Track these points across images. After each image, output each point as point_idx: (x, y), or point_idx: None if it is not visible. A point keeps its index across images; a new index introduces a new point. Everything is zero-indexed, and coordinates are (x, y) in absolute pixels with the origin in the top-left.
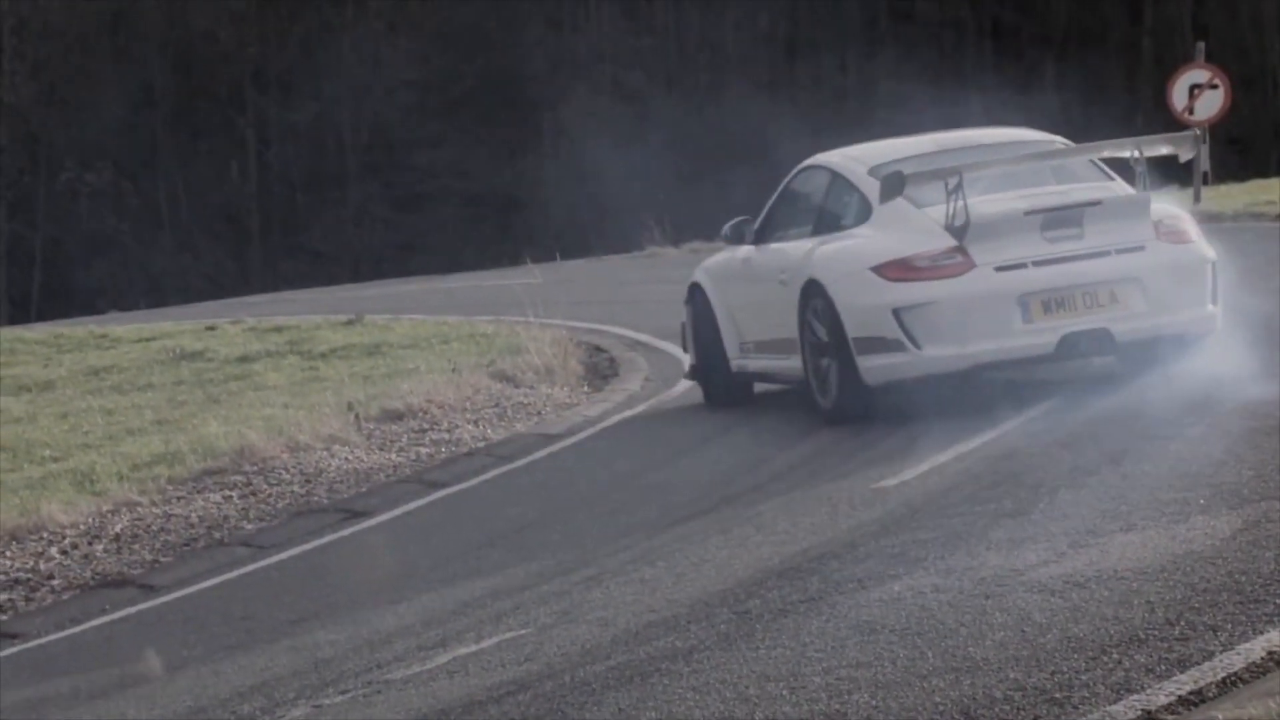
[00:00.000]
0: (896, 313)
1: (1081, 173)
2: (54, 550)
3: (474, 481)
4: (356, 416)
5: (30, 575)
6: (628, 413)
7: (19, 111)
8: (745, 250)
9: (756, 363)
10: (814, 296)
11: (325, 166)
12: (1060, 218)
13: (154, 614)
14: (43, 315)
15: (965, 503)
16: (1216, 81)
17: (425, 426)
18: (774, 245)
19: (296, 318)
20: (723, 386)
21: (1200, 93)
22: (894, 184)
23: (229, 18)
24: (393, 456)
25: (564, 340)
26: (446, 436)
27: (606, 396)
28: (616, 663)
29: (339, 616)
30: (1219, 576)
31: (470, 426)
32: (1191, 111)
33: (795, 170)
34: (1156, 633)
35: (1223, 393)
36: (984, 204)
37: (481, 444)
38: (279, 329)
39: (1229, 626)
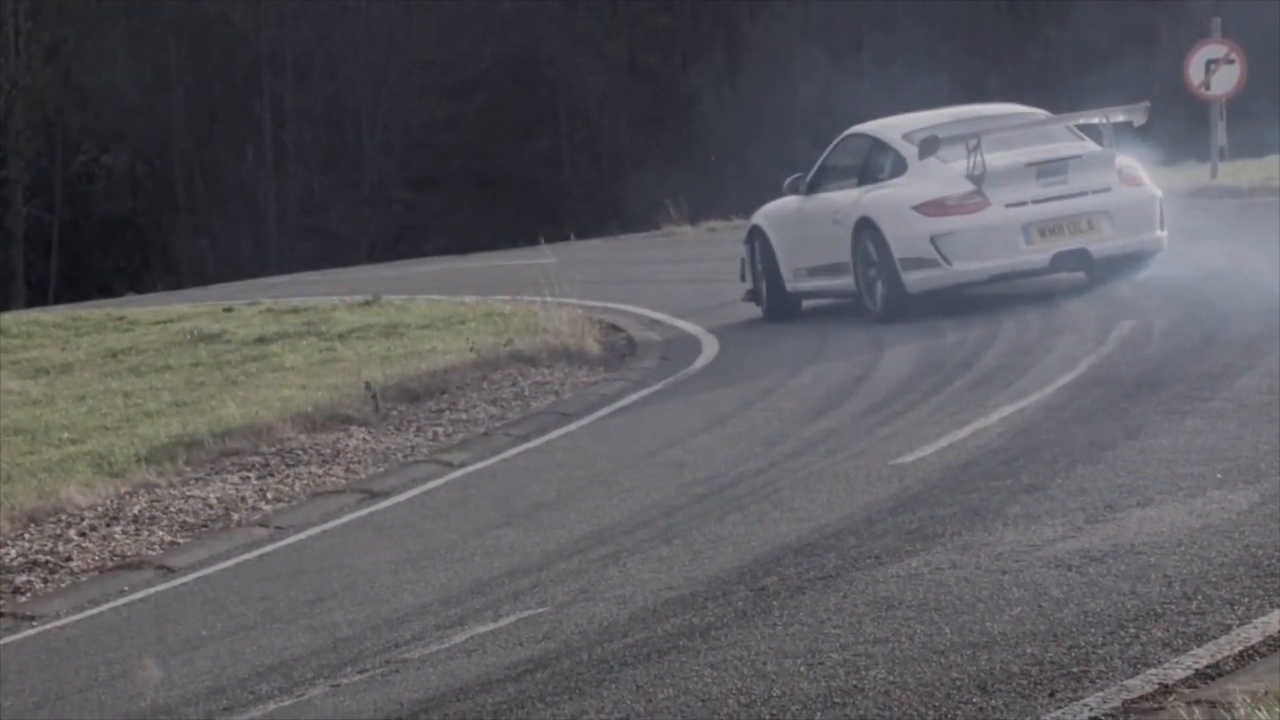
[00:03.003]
0: (933, 239)
1: (1060, 135)
2: (72, 532)
3: (491, 461)
4: (374, 397)
5: (49, 557)
6: (644, 391)
7: (35, 95)
8: (796, 200)
9: (808, 284)
10: (866, 229)
11: (341, 148)
12: (1051, 168)
13: (172, 595)
14: (60, 298)
15: (982, 478)
16: (1233, 56)
17: (442, 406)
18: (823, 195)
19: (313, 299)
20: (779, 303)
21: (1217, 67)
22: (931, 144)
23: (244, 0)
24: (410, 437)
25: (581, 320)
26: (464, 416)
27: (623, 375)
28: (634, 640)
29: (357, 596)
30: (1236, 551)
31: (487, 406)
32: (1208, 86)
33: (838, 138)
34: (1173, 607)
35: (1239, 367)
36: (994, 159)
37: (499, 423)
38: (296, 310)
39: (1246, 600)
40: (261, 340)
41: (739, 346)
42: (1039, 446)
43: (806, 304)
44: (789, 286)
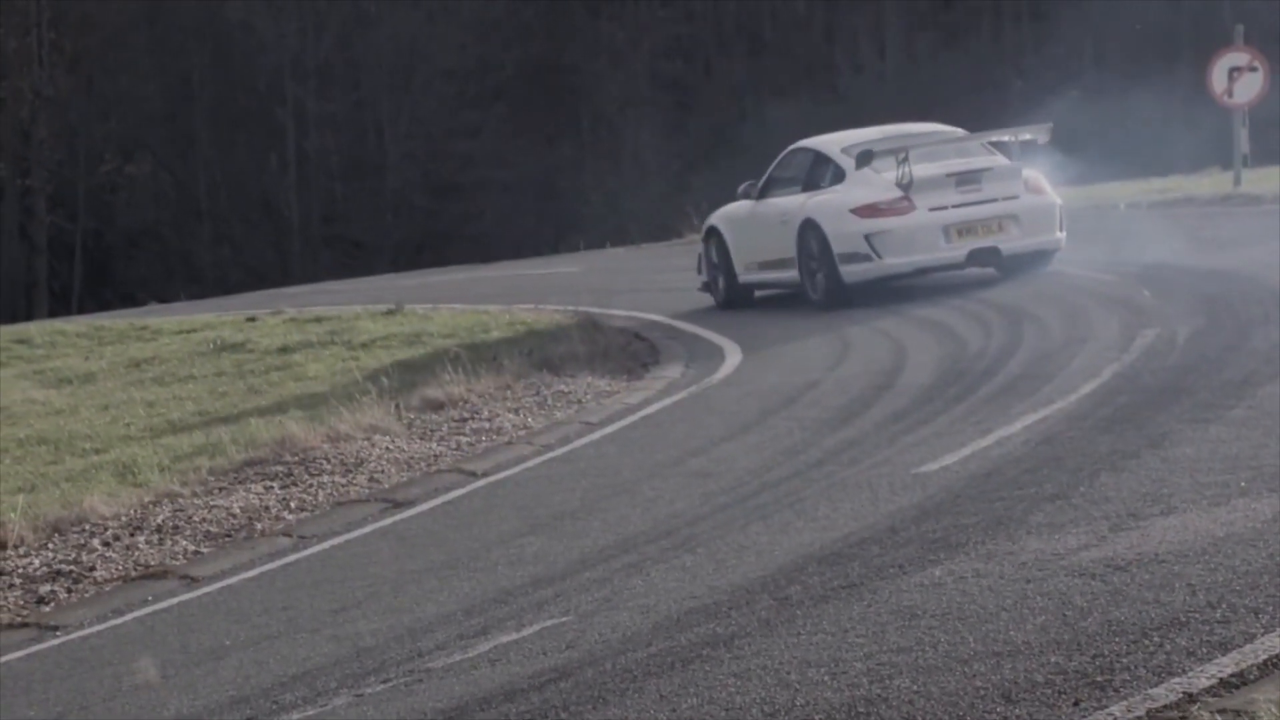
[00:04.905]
0: (867, 237)
1: (976, 150)
2: (96, 542)
3: (514, 470)
4: (397, 406)
5: (73, 567)
6: (668, 400)
7: (58, 104)
8: (748, 204)
9: (758, 276)
10: (809, 229)
11: (364, 156)
12: (968, 178)
13: (196, 605)
14: (83, 308)
15: (1006, 487)
16: (1256, 64)
17: (466, 415)
18: (772, 200)
19: (336, 308)
20: (732, 293)
21: (1240, 75)
22: (866, 157)
23: (266, 8)
24: (433, 446)
25: (604, 328)
26: (487, 425)
27: (647, 384)
28: (658, 649)
29: (380, 606)
30: (1260, 559)
31: (510, 415)
32: (1230, 94)
33: (785, 151)
34: (1197, 615)
35: (1263, 375)
36: (920, 170)
37: (522, 432)
38: (319, 319)
39: (1270, 609)
40: (284, 350)
41: (761, 355)
42: (1062, 455)
43: (759, 294)
44: (741, 279)
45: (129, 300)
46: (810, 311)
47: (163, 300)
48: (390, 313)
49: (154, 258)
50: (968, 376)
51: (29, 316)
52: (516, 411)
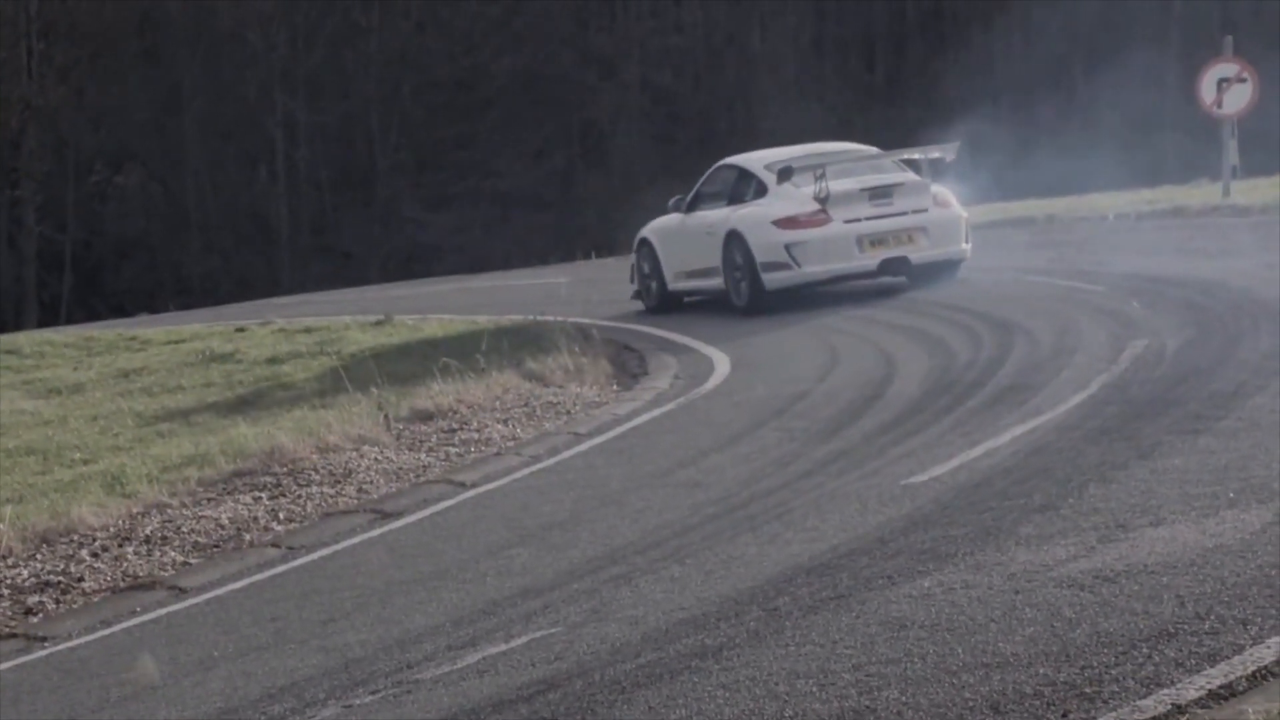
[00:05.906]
0: (787, 247)
1: (888, 167)
2: (84, 553)
3: (503, 481)
4: (386, 417)
5: (61, 578)
6: (656, 411)
7: (47, 114)
8: (678, 217)
9: (686, 284)
10: (734, 240)
11: (354, 167)
12: (881, 192)
13: (184, 616)
14: (72, 318)
15: (995, 498)
16: (1245, 75)
17: (454, 426)
18: (699, 213)
19: (326, 319)
20: (662, 300)
21: (1229, 86)
22: (787, 173)
23: (257, 19)
24: (422, 457)
25: (593, 339)
26: (476, 436)
27: (635, 395)
28: (646, 661)
29: (369, 617)
30: (1249, 570)
31: (499, 426)
32: (1220, 105)
33: (712, 168)
34: (1186, 627)
35: (1252, 386)
36: (836, 185)
37: (511, 443)
38: (308, 330)
39: (1259, 620)
40: (273, 360)
41: (751, 367)
42: (1051, 466)
43: (687, 300)
44: (670, 286)
45: (118, 310)
46: (803, 320)
47: (152, 311)
48: (379, 323)
49: (143, 268)
50: (957, 387)
51: (18, 327)
52: (505, 422)
